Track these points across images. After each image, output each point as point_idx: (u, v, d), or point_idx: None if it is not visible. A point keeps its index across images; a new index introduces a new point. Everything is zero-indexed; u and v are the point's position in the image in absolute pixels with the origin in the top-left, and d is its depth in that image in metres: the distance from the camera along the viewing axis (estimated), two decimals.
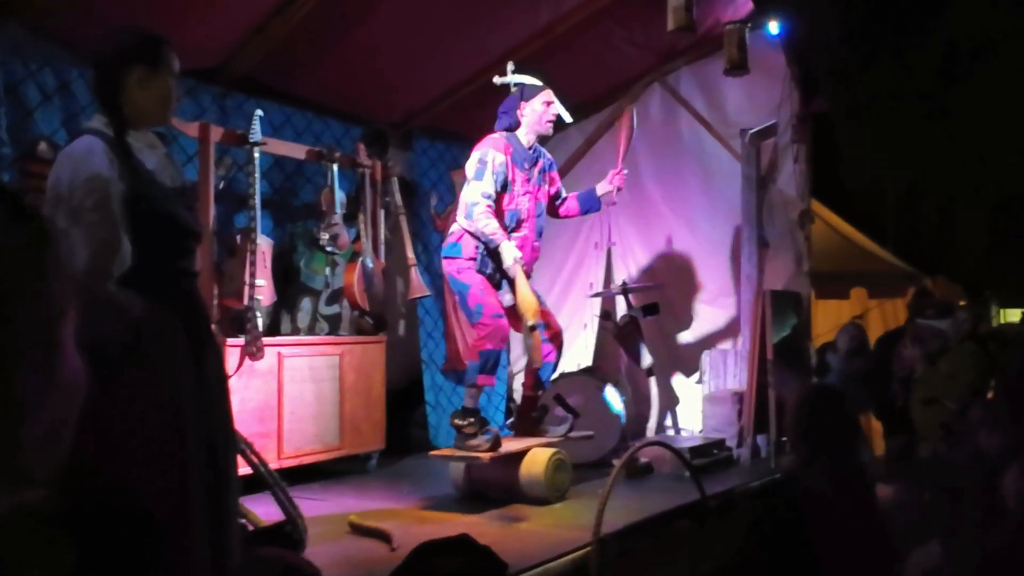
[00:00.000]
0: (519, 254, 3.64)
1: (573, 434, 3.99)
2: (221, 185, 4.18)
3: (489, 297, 3.65)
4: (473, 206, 3.63)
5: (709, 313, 5.50)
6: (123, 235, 1.86)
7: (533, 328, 3.63)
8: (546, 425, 3.96)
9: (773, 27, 4.93)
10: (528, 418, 3.97)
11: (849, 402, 2.27)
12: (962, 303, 5.83)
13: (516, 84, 3.94)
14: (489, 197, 3.64)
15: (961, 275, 9.00)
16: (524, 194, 3.80)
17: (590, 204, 4.08)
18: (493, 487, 3.77)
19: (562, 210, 4.08)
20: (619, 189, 4.07)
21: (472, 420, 3.63)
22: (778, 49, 5.01)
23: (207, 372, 2.02)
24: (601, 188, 4.04)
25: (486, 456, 3.56)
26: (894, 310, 7.44)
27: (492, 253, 3.71)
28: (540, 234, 3.89)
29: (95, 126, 1.97)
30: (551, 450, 3.72)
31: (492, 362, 3.63)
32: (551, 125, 3.84)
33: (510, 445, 3.74)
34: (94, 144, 1.91)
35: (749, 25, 4.67)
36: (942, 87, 10.73)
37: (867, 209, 10.52)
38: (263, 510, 2.84)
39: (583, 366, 5.42)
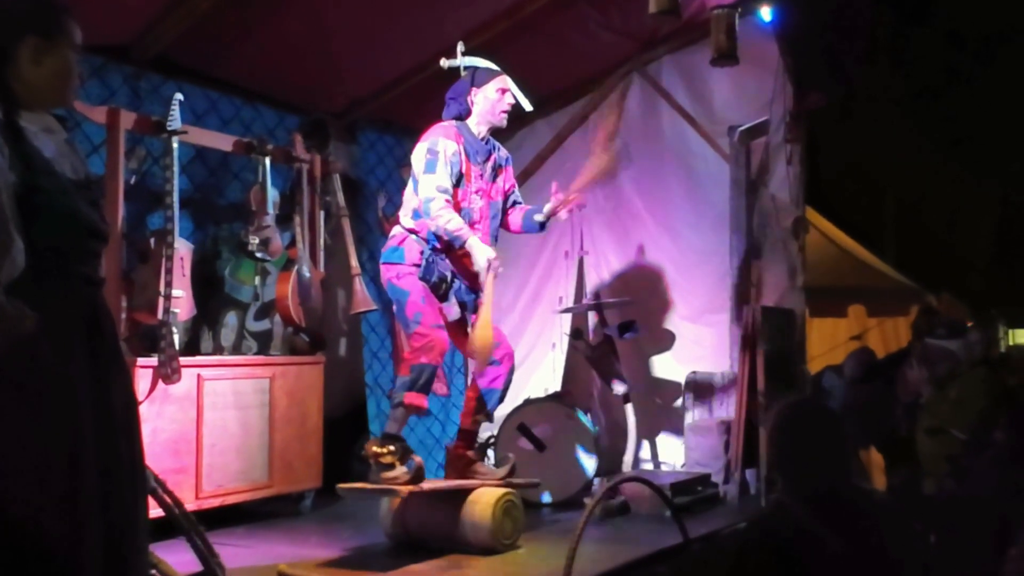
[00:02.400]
0: (493, 253, 3.58)
1: (516, 480, 3.81)
2: (133, 180, 4.09)
3: (429, 307, 3.60)
4: (429, 202, 3.57)
5: (693, 332, 5.53)
6: (15, 234, 1.79)
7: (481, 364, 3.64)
8: (482, 466, 3.82)
9: (765, 13, 5.00)
10: (462, 457, 3.80)
11: (840, 422, 2.27)
12: (969, 323, 5.96)
13: (467, 68, 3.92)
14: (446, 191, 3.60)
15: (966, 291, 9.23)
16: (476, 191, 3.76)
17: (529, 226, 3.95)
18: (430, 534, 3.65)
19: (508, 219, 3.98)
20: (570, 211, 3.91)
21: (392, 448, 3.48)
22: (770, 38, 5.08)
23: (112, 397, 1.95)
24: (544, 212, 3.84)
25: (404, 490, 3.40)
26: (895, 329, 7.57)
27: (449, 252, 3.65)
28: (495, 239, 3.85)
29: None
30: (501, 490, 3.62)
31: (425, 379, 3.52)
32: (506, 116, 3.81)
33: (444, 483, 3.66)
34: None
35: (739, 10, 4.73)
36: (945, 85, 11.05)
37: (865, 218, 10.76)
38: (177, 559, 2.75)
39: (551, 391, 5.39)
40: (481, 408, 3.81)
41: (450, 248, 3.66)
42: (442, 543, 3.60)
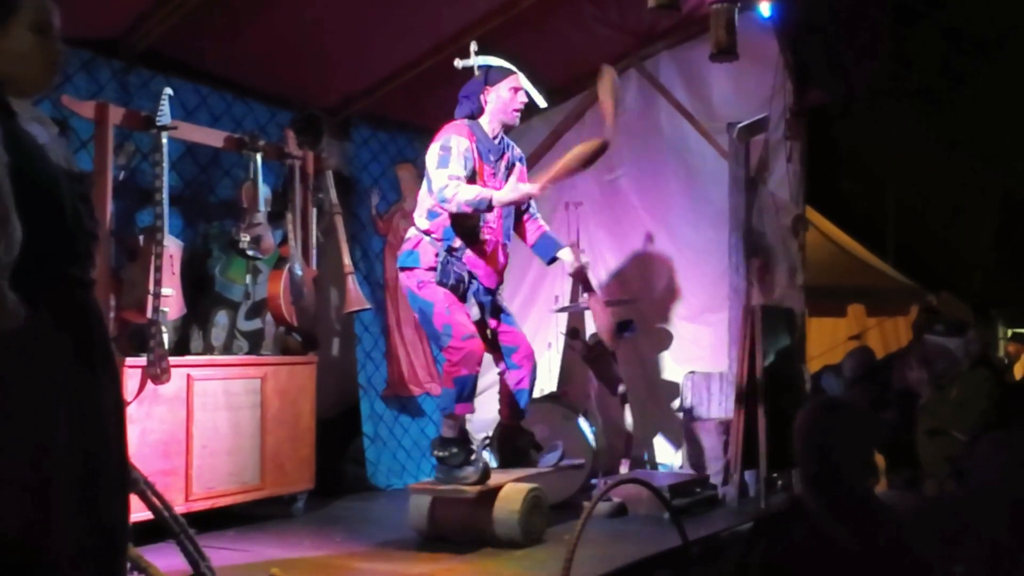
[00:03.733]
0: (527, 187, 3.64)
1: (563, 463, 4.11)
2: (121, 176, 4.07)
3: (457, 315, 3.63)
4: (443, 188, 3.58)
5: (691, 331, 5.53)
6: (13, 211, 1.69)
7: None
8: (535, 455, 4.04)
9: (765, 8, 5.00)
10: (512, 448, 4.04)
11: (867, 420, 2.28)
12: (969, 322, 5.98)
13: (480, 67, 3.93)
14: (459, 179, 3.61)
15: (967, 291, 9.26)
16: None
17: (543, 253, 4.02)
18: (458, 529, 3.79)
19: (522, 226, 4.03)
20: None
21: (455, 450, 3.67)
22: (770, 33, 5.08)
23: (101, 402, 1.92)
24: (566, 255, 3.95)
25: (473, 489, 3.61)
26: (895, 329, 7.60)
27: (465, 252, 3.66)
28: (508, 237, 3.89)
29: None
30: (528, 486, 3.77)
31: (469, 389, 3.66)
32: (518, 114, 3.85)
33: (504, 477, 3.83)
34: None
35: (739, 5, 4.72)
36: (946, 83, 11.07)
37: (865, 217, 10.79)
38: (166, 562, 2.74)
39: (547, 392, 5.39)
40: (513, 411, 3.98)
41: (464, 248, 3.67)
42: (472, 538, 3.72)
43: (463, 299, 3.71)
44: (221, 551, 3.42)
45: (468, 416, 3.78)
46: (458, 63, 4.02)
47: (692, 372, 5.33)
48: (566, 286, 5.75)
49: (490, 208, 3.61)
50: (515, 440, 4.05)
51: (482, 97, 3.79)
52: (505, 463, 4.04)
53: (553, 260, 4.03)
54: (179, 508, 3.19)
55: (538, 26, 5.03)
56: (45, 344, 1.82)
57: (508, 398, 3.96)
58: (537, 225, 4.02)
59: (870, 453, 2.29)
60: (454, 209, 3.58)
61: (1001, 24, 10.52)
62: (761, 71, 5.17)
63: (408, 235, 3.79)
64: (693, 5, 5.02)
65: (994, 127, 10.83)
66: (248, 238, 4.30)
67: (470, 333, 3.62)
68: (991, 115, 10.77)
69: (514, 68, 3.87)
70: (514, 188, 3.63)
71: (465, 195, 3.54)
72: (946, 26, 10.59)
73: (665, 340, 5.59)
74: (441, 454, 3.68)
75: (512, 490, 3.74)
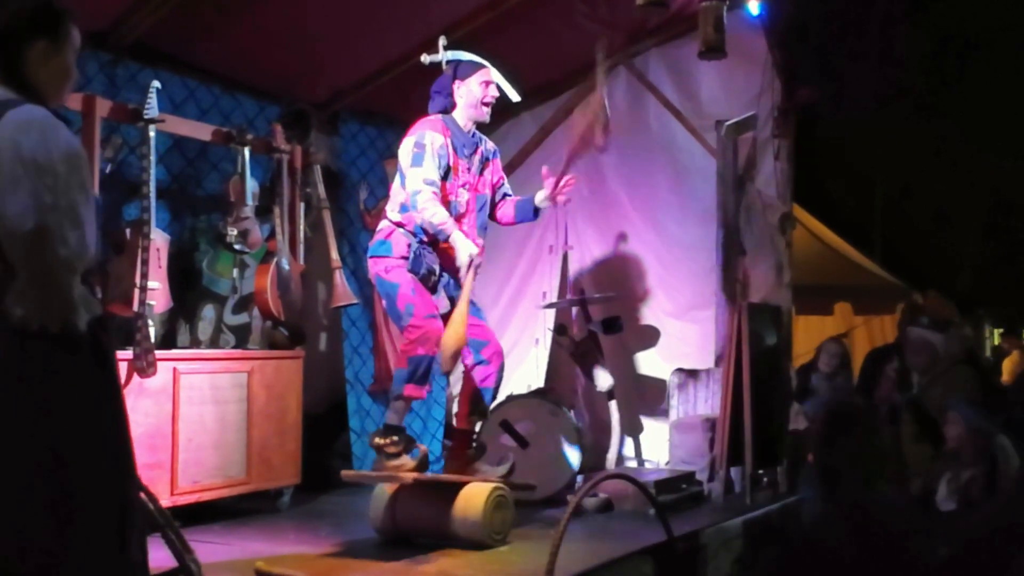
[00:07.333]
0: (475, 249, 3.60)
1: (512, 481, 3.88)
2: (108, 169, 4.07)
3: (421, 297, 3.62)
4: (416, 195, 3.59)
5: (678, 328, 5.56)
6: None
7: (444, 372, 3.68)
8: (481, 464, 3.88)
9: (753, 7, 5.04)
10: (461, 456, 3.88)
11: (877, 423, 2.30)
12: (955, 320, 6.03)
13: (449, 61, 3.93)
14: (433, 184, 3.62)
15: (953, 290, 9.34)
16: (463, 185, 3.80)
17: (524, 215, 4.01)
18: (420, 528, 3.71)
19: (499, 213, 4.04)
20: (565, 200, 4.00)
21: (396, 439, 3.57)
22: (759, 32, 5.11)
23: (106, 398, 2.00)
24: (539, 198, 3.94)
25: (409, 476, 3.48)
26: (881, 327, 7.66)
27: (436, 246, 3.66)
28: (483, 231, 3.88)
29: (12, 97, 1.98)
30: (491, 485, 3.68)
31: (423, 370, 3.57)
32: (488, 109, 3.84)
33: (445, 475, 3.73)
34: (47, 114, 1.97)
35: (727, 3, 4.75)
36: (934, 82, 11.14)
37: (852, 216, 10.87)
38: (151, 555, 2.73)
39: (534, 387, 5.41)
40: (475, 408, 3.86)
41: (437, 241, 3.68)
42: (432, 538, 3.65)
43: (433, 291, 3.69)
44: (206, 545, 3.42)
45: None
46: (425, 58, 4.00)
47: (679, 369, 5.36)
48: (554, 283, 5.78)
49: (445, 240, 3.61)
50: (465, 446, 3.88)
51: (453, 92, 3.79)
52: (450, 469, 3.89)
53: (538, 211, 3.99)
54: (164, 502, 3.22)
55: (527, 22, 5.05)
56: (91, 347, 2.00)
57: (469, 396, 3.84)
58: (509, 201, 4.00)
59: (883, 454, 2.31)
60: (418, 220, 3.62)
61: (990, 24, 10.60)
62: (749, 69, 5.21)
63: (380, 226, 3.78)
64: (682, 3, 5.04)
65: (982, 127, 10.91)
66: (235, 232, 4.30)
67: (432, 313, 3.59)
68: (979, 115, 10.85)
69: (484, 62, 3.85)
70: (471, 260, 3.56)
71: (432, 217, 3.56)
72: (936, 26, 10.66)
73: (652, 337, 5.62)
74: (381, 441, 3.56)
75: (475, 489, 3.62)
